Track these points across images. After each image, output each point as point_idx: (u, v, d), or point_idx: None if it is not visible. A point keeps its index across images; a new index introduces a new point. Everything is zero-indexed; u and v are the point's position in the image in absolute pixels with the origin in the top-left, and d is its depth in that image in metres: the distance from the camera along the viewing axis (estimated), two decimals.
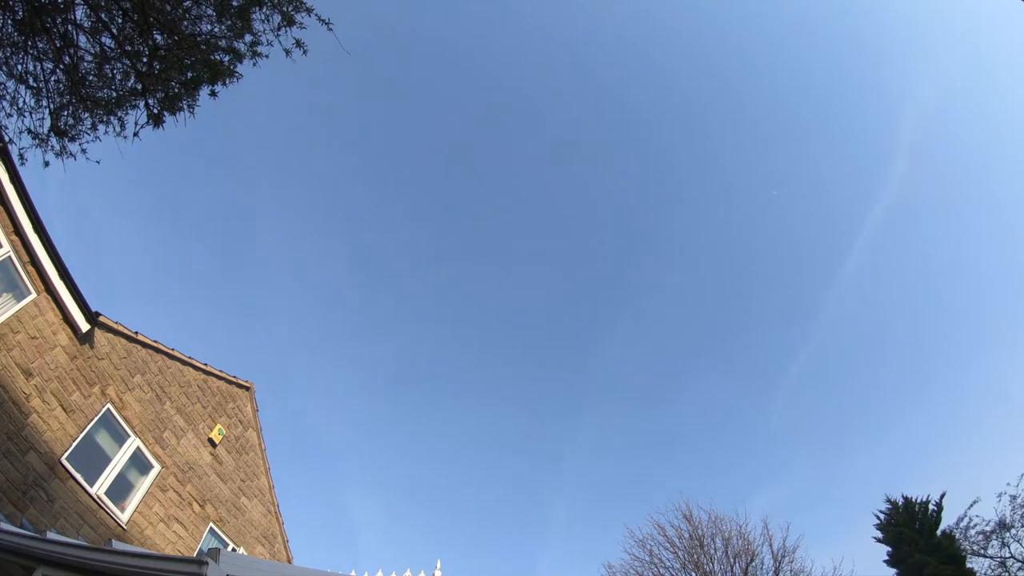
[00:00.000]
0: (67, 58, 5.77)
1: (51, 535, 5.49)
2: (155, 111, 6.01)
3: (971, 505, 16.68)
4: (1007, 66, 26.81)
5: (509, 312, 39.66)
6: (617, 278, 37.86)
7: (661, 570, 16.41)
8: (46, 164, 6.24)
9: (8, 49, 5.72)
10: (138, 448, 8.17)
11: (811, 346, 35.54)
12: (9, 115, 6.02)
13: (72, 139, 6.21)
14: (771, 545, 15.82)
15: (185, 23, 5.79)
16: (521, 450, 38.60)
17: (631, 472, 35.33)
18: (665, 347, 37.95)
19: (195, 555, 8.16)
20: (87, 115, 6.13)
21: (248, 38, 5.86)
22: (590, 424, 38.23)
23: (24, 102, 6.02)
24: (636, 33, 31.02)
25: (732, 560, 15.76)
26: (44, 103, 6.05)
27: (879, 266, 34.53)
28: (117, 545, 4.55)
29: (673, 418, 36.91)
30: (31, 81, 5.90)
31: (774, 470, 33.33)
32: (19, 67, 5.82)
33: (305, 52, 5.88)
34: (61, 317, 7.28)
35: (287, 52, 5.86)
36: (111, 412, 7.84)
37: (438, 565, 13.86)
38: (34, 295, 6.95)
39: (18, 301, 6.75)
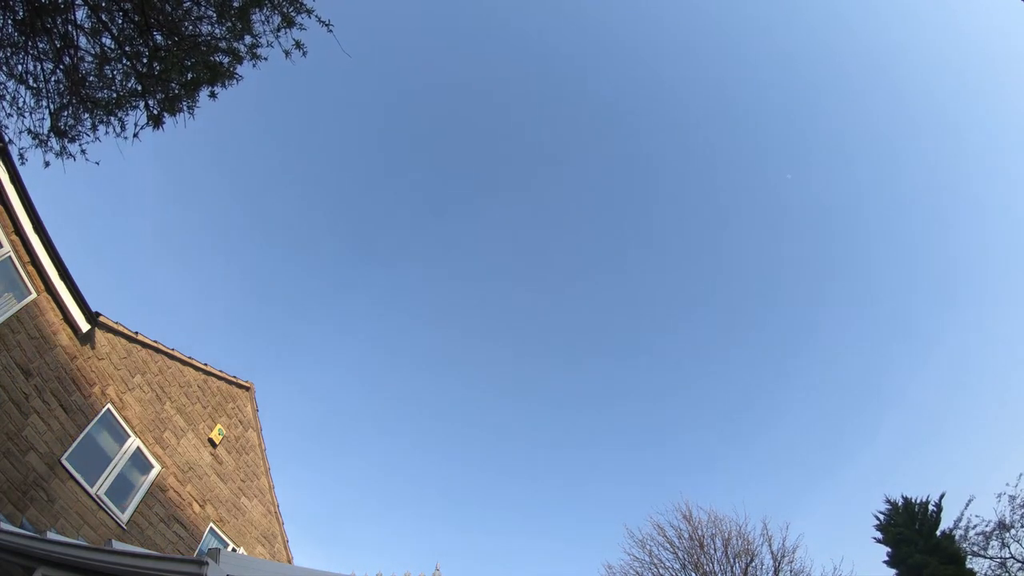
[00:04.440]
0: (67, 59, 5.78)
1: (51, 535, 5.49)
2: (155, 112, 6.01)
3: (967, 504, 16.67)
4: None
5: (502, 308, 39.65)
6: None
7: (661, 570, 16.42)
8: (46, 164, 6.25)
9: (8, 49, 5.73)
10: (138, 448, 8.17)
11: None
12: (9, 115, 6.04)
13: (72, 140, 6.21)
14: (771, 545, 15.83)
15: (186, 24, 5.79)
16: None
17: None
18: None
19: (195, 555, 8.17)
20: (87, 116, 6.14)
21: (248, 39, 5.86)
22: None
23: (24, 102, 6.03)
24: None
25: (732, 560, 15.75)
26: (44, 103, 6.06)
27: (874, 266, 34.55)
28: (117, 545, 4.54)
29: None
30: (31, 81, 5.91)
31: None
32: (19, 67, 5.83)
33: (305, 53, 5.88)
34: (61, 317, 7.29)
35: (287, 53, 5.87)
36: (111, 412, 7.84)
37: (437, 567, 13.86)
38: (34, 295, 6.96)
39: (18, 301, 6.76)
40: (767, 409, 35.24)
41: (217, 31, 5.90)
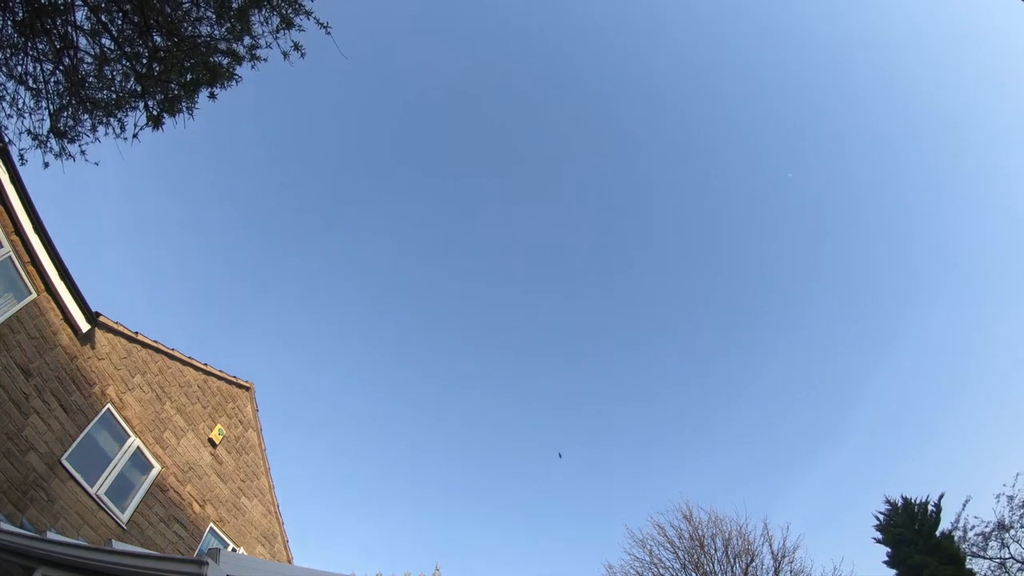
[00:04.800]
0: (67, 60, 5.79)
1: (51, 535, 5.50)
2: (154, 113, 6.02)
3: (964, 505, 16.66)
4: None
5: (509, 311, 39.66)
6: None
7: (661, 570, 16.43)
8: (46, 165, 6.26)
9: (8, 50, 5.74)
10: (138, 448, 8.19)
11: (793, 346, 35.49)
12: (9, 116, 6.05)
13: (72, 140, 6.22)
14: (771, 545, 15.83)
15: (185, 25, 5.80)
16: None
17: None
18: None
19: (195, 555, 8.19)
20: (87, 116, 6.15)
21: (247, 40, 5.87)
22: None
23: (24, 103, 6.04)
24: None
25: (732, 560, 15.76)
26: (44, 104, 6.07)
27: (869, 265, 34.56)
28: (117, 545, 4.55)
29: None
30: (31, 82, 5.92)
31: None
32: (19, 68, 5.84)
33: (303, 55, 5.89)
34: (61, 317, 7.30)
35: (285, 55, 5.88)
36: (111, 412, 7.86)
37: (437, 566, 13.86)
38: (34, 295, 6.97)
39: (18, 301, 6.77)
40: (767, 409, 35.24)
41: (216, 32, 5.91)
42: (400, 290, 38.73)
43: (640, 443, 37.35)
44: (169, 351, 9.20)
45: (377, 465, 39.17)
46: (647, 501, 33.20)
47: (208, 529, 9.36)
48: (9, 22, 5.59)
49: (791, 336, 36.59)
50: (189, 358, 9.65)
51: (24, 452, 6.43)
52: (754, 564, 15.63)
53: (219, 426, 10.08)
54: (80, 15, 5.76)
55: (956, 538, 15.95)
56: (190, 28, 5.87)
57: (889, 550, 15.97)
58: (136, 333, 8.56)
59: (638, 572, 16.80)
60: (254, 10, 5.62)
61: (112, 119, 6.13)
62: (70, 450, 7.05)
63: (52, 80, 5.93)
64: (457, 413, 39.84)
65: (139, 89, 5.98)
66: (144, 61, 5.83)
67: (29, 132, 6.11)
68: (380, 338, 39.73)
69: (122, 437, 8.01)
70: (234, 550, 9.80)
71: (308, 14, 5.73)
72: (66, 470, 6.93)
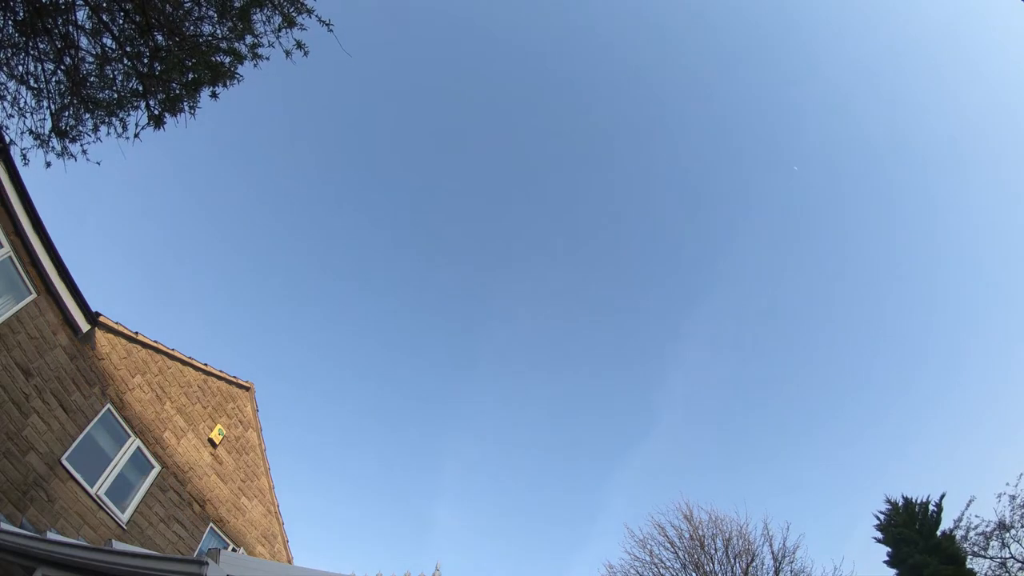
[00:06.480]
0: (68, 59, 5.78)
1: (51, 535, 5.50)
2: (156, 112, 6.02)
3: (968, 504, 16.70)
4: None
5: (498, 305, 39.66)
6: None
7: (661, 570, 16.44)
8: (47, 165, 6.26)
9: (9, 50, 5.74)
10: (138, 448, 8.17)
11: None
12: (10, 116, 6.04)
13: (73, 140, 6.22)
14: (771, 545, 15.85)
15: (186, 24, 5.80)
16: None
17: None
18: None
19: (195, 555, 8.16)
20: (88, 116, 6.15)
21: (249, 39, 5.87)
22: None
23: (25, 103, 6.04)
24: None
25: (732, 560, 15.77)
26: (45, 104, 6.07)
27: (866, 259, 34.59)
28: (117, 545, 4.55)
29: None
30: (32, 82, 5.91)
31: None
32: (20, 68, 5.84)
33: (306, 53, 5.90)
34: (61, 317, 7.29)
35: (287, 53, 5.88)
36: (111, 412, 7.85)
37: (438, 566, 13.84)
38: (34, 295, 6.96)
39: (18, 301, 6.76)
40: (776, 410, 35.28)
41: (218, 31, 5.91)
42: (402, 285, 38.71)
43: (639, 440, 37.31)
44: (169, 351, 9.19)
45: (378, 464, 39.16)
46: (648, 500, 33.18)
47: (208, 529, 9.35)
48: (10, 22, 5.58)
49: (794, 337, 36.60)
50: (189, 358, 9.64)
51: (24, 452, 6.42)
52: (754, 564, 15.65)
53: (219, 426, 10.07)
54: (81, 14, 5.76)
55: (958, 538, 15.97)
56: (192, 27, 5.87)
57: (889, 550, 15.96)
58: (136, 333, 8.55)
59: (638, 572, 16.82)
60: (256, 9, 5.63)
61: (114, 118, 6.13)
62: (70, 450, 7.04)
63: (53, 80, 5.92)
64: (457, 410, 39.84)
65: (140, 88, 5.97)
66: (145, 60, 5.83)
67: (31, 132, 6.11)
68: (379, 335, 39.73)
69: (122, 437, 8.00)
70: (234, 550, 9.78)
71: (310, 12, 5.74)
72: (66, 470, 6.92)
